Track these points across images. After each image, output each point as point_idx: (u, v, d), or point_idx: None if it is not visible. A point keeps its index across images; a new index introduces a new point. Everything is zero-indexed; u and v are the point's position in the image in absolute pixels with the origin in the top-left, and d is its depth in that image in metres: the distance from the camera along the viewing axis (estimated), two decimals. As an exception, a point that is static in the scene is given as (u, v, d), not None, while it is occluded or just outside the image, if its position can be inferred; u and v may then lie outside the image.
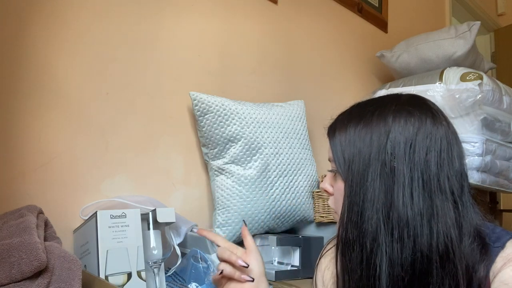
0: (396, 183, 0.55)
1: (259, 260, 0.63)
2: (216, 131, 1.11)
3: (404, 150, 0.55)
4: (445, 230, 0.53)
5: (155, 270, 0.81)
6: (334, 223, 0.67)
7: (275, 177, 1.15)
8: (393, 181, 0.55)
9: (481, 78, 1.32)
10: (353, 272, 0.57)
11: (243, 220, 0.72)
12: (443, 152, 0.56)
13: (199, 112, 1.11)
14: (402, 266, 0.53)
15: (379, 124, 0.57)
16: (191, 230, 1.01)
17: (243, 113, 1.14)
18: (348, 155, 0.59)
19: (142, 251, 0.79)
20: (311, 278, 0.77)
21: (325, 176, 0.67)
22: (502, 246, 0.53)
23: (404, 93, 0.63)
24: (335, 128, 0.63)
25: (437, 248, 0.52)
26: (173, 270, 0.91)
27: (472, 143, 1.34)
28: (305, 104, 1.35)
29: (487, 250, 0.53)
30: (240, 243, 1.20)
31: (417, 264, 0.53)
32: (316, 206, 1.25)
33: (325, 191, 0.66)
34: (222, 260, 0.62)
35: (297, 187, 1.20)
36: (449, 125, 0.59)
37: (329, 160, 0.63)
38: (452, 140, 0.57)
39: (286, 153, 1.19)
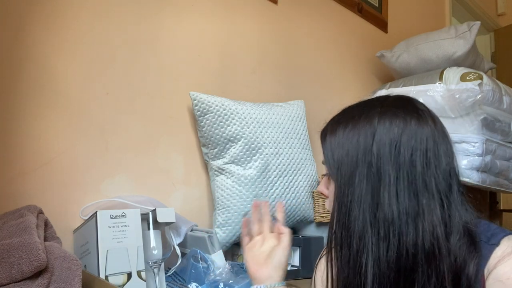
0: (382, 184, 0.56)
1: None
2: (216, 131, 1.11)
3: (389, 151, 0.56)
4: (430, 228, 0.53)
5: (155, 270, 0.81)
6: (334, 223, 0.69)
7: (275, 177, 1.15)
8: (379, 182, 0.56)
9: (481, 78, 1.32)
10: (341, 271, 0.59)
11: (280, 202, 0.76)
12: (429, 152, 0.56)
13: (199, 112, 1.11)
14: (387, 264, 0.54)
15: (365, 126, 0.59)
16: (191, 230, 1.01)
17: (243, 113, 1.14)
18: (337, 157, 0.60)
19: (142, 251, 0.79)
20: (311, 278, 0.77)
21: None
22: (497, 244, 0.53)
23: (392, 95, 0.64)
24: (326, 131, 0.64)
25: (422, 246, 0.53)
26: (173, 270, 0.91)
27: (472, 143, 1.34)
28: (305, 104, 1.35)
29: (476, 247, 0.54)
30: (240, 243, 1.20)
31: (402, 262, 0.54)
32: (316, 206, 1.25)
33: (322, 193, 0.67)
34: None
35: (297, 187, 1.20)
36: (436, 124, 0.59)
37: (323, 163, 0.65)
38: (439, 139, 0.58)
39: (286, 153, 1.19)
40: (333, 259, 0.60)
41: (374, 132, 0.57)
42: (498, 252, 0.52)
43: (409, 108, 0.59)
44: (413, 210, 0.54)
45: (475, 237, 0.54)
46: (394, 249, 0.54)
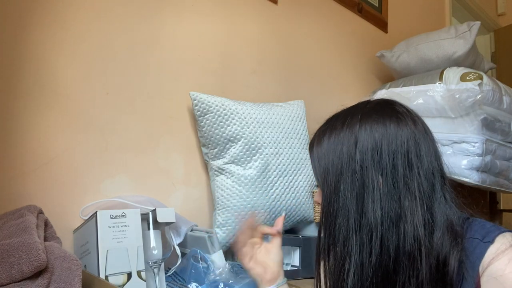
0: (366, 190, 0.57)
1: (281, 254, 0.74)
2: (216, 131, 1.11)
3: (371, 157, 0.57)
4: (412, 230, 0.55)
5: (155, 270, 0.81)
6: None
7: (275, 177, 1.15)
8: (363, 189, 0.57)
9: (481, 78, 1.32)
10: (329, 277, 0.60)
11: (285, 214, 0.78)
12: (410, 154, 0.57)
13: (199, 112, 1.11)
14: (370, 268, 0.55)
15: (347, 134, 0.60)
16: (191, 230, 1.01)
17: (243, 113, 1.14)
18: (323, 167, 0.62)
19: (142, 251, 0.79)
20: (311, 278, 0.78)
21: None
22: (492, 241, 0.54)
23: (372, 100, 0.65)
24: (313, 143, 0.66)
25: (404, 248, 0.55)
26: (173, 270, 0.91)
27: (472, 143, 1.34)
28: (305, 104, 1.35)
29: (458, 243, 0.54)
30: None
31: (384, 265, 0.55)
32: (316, 206, 1.25)
33: (318, 203, 0.68)
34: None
35: (297, 187, 1.20)
36: (416, 125, 0.60)
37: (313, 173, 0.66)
38: (420, 140, 0.59)
39: (286, 153, 1.19)
40: (323, 265, 0.62)
41: (356, 140, 0.59)
42: (492, 250, 0.53)
43: (388, 112, 0.61)
44: (395, 213, 0.55)
45: (458, 233, 0.55)
46: (376, 253, 0.55)
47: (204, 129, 1.12)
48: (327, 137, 0.62)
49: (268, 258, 0.73)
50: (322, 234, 0.61)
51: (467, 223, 0.58)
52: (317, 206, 1.25)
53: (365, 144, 0.58)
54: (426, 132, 0.61)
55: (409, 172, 0.56)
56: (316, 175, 0.64)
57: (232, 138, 1.12)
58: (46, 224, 0.76)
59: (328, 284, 0.61)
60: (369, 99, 0.66)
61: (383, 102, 0.64)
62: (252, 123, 1.15)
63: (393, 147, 0.57)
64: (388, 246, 0.55)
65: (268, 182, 1.14)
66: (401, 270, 0.54)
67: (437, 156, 0.60)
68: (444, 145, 1.38)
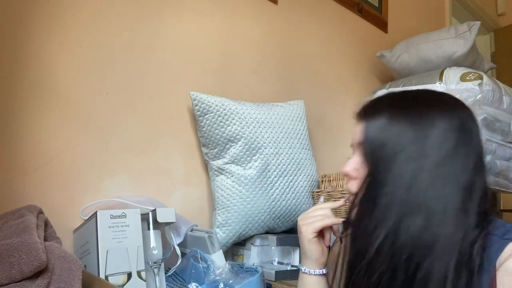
0: (425, 168, 0.57)
1: None
2: (216, 131, 1.11)
3: (439, 154, 0.58)
4: (456, 223, 0.55)
5: (155, 270, 0.81)
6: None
7: (275, 177, 1.15)
8: (422, 166, 0.57)
9: (481, 78, 1.32)
10: (350, 248, 0.62)
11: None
12: (483, 157, 0.60)
13: (199, 112, 1.11)
14: (402, 244, 0.56)
15: (422, 123, 0.60)
16: (191, 230, 1.01)
17: (243, 113, 1.14)
18: (385, 136, 0.61)
19: (142, 251, 0.79)
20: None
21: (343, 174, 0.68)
22: (511, 239, 0.55)
23: (446, 93, 0.67)
24: (373, 111, 0.65)
25: (444, 237, 0.55)
26: (173, 270, 0.91)
27: (472, 143, 1.33)
28: (305, 104, 1.35)
29: (485, 241, 0.56)
30: (240, 243, 1.20)
31: (416, 247, 0.56)
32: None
33: (347, 175, 0.67)
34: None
35: (297, 187, 1.20)
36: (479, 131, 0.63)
37: (358, 142, 0.65)
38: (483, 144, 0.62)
39: (286, 153, 1.19)
40: (351, 237, 0.63)
41: (429, 133, 0.59)
42: (510, 247, 0.54)
43: (466, 113, 0.62)
44: (447, 200, 0.56)
45: (483, 228, 0.57)
46: (415, 229, 0.55)
47: (204, 129, 1.12)
48: (396, 115, 0.62)
49: (324, 246, 0.74)
50: (359, 201, 0.62)
51: (488, 220, 0.59)
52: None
53: (439, 139, 0.59)
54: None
55: (475, 172, 0.58)
56: (370, 142, 0.63)
57: (232, 138, 1.12)
58: (46, 224, 0.76)
59: (350, 252, 0.62)
60: (442, 92, 0.67)
61: (459, 102, 0.65)
62: (252, 123, 1.15)
63: (472, 146, 0.59)
64: (429, 228, 0.56)
65: (268, 182, 1.14)
66: (429, 257, 0.55)
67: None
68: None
